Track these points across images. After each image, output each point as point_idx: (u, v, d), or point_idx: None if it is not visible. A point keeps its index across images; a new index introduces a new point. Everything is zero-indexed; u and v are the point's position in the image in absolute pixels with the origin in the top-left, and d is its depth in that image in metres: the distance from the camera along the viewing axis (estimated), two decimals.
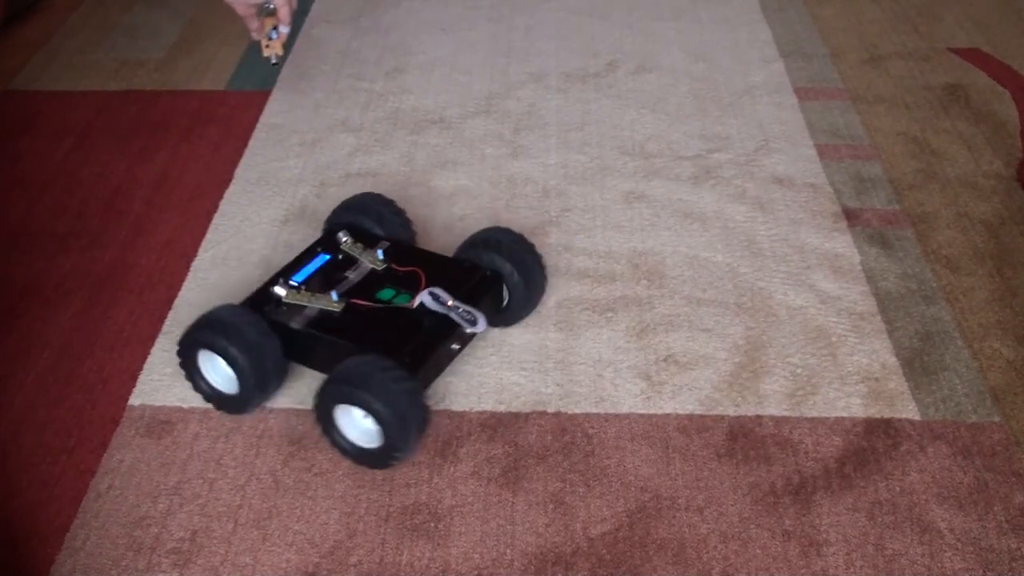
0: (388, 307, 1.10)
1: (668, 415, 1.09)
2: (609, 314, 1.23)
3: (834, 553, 0.95)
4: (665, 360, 1.16)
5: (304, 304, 1.09)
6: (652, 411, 1.10)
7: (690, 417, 1.09)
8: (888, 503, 1.00)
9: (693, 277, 1.28)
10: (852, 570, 0.94)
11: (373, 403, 0.97)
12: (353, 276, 1.14)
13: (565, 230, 1.36)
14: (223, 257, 1.32)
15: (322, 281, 1.13)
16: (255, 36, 1.46)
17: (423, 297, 1.09)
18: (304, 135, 1.57)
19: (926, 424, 1.08)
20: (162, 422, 1.09)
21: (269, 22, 1.44)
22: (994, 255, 1.32)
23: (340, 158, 1.51)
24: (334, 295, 1.10)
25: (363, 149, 1.54)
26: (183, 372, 1.09)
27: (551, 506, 1.00)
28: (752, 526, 0.98)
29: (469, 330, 1.08)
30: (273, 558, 0.95)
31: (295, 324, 1.07)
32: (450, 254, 1.19)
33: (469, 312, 1.09)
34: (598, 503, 1.00)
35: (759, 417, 1.09)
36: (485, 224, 1.38)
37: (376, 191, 1.27)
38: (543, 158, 1.52)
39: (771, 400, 1.11)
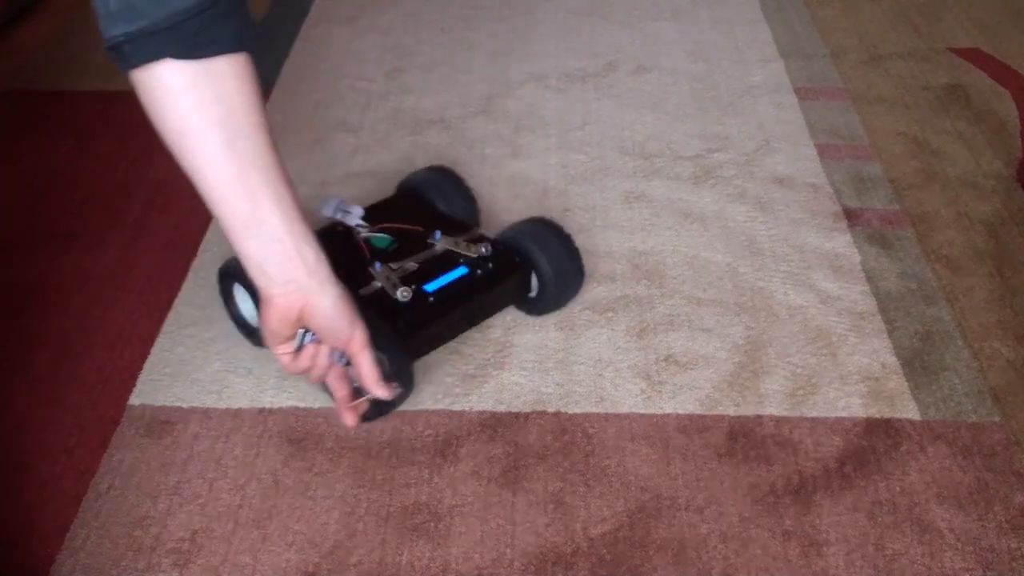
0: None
1: (668, 415, 1.09)
2: (609, 314, 1.23)
3: (834, 553, 0.95)
4: (665, 360, 1.16)
5: None
6: (652, 411, 1.10)
7: (690, 417, 1.09)
8: (888, 503, 1.00)
9: (693, 277, 1.28)
10: (852, 570, 0.94)
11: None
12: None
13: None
14: (223, 257, 1.32)
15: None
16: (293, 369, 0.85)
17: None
18: (304, 135, 1.57)
19: (926, 424, 1.08)
20: (162, 422, 1.09)
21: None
22: (994, 255, 1.32)
23: (340, 158, 1.51)
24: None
25: (363, 149, 1.54)
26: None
27: (551, 506, 0.99)
28: (752, 526, 0.98)
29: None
30: (273, 558, 0.95)
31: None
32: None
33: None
34: (598, 503, 1.00)
35: (759, 417, 1.09)
36: (484, 223, 1.38)
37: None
38: (543, 158, 1.52)
39: (771, 400, 1.11)
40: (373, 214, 1.20)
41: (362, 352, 0.81)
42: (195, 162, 0.71)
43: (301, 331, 0.81)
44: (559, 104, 1.65)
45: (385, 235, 1.16)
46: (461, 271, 1.11)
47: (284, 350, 0.82)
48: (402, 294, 1.08)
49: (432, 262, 1.13)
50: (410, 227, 1.17)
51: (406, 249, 1.15)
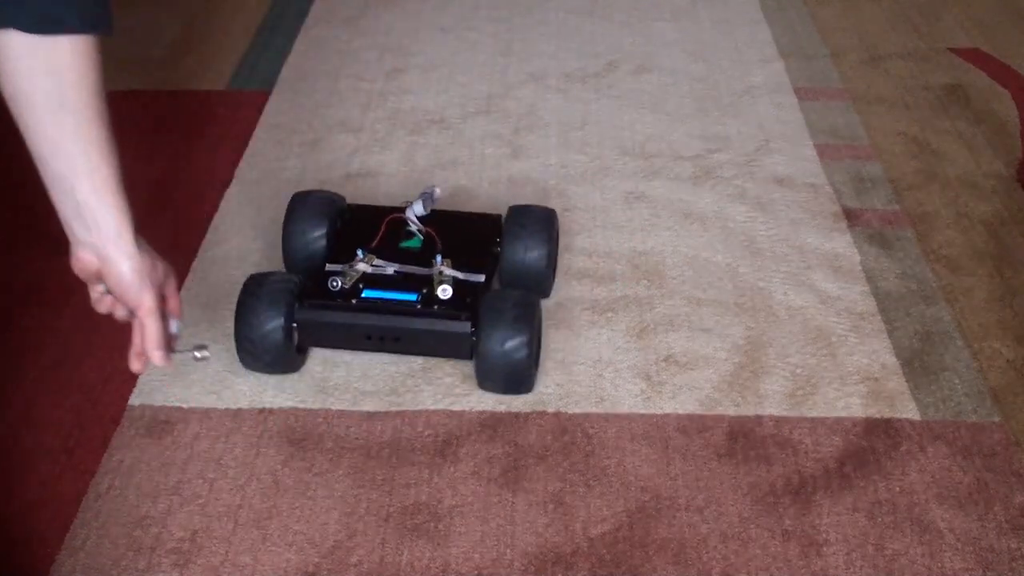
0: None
1: (668, 415, 1.09)
2: (609, 314, 1.23)
3: (834, 553, 0.95)
4: (665, 360, 1.16)
5: None
6: (652, 411, 1.10)
7: (690, 417, 1.09)
8: (888, 503, 1.00)
9: (693, 277, 1.28)
10: (852, 570, 0.94)
11: None
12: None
13: (565, 230, 1.36)
14: (223, 257, 1.32)
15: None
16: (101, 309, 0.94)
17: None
18: (304, 135, 1.57)
19: (926, 424, 1.08)
20: (162, 422, 1.09)
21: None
22: (994, 255, 1.32)
23: (340, 158, 1.51)
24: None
25: (363, 149, 1.54)
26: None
27: (551, 506, 0.99)
28: (752, 526, 0.98)
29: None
30: (273, 558, 0.95)
31: None
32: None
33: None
34: (598, 503, 1.00)
35: (759, 417, 1.09)
36: None
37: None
38: (543, 158, 1.52)
39: (771, 400, 1.11)
40: (438, 217, 1.22)
41: (148, 317, 0.92)
42: (22, 123, 0.79)
43: None
44: (559, 104, 1.65)
45: (420, 237, 1.19)
46: (409, 297, 1.11)
47: (93, 289, 0.93)
48: (332, 283, 1.12)
49: (409, 276, 1.14)
50: (435, 240, 1.19)
51: (421, 257, 1.16)
